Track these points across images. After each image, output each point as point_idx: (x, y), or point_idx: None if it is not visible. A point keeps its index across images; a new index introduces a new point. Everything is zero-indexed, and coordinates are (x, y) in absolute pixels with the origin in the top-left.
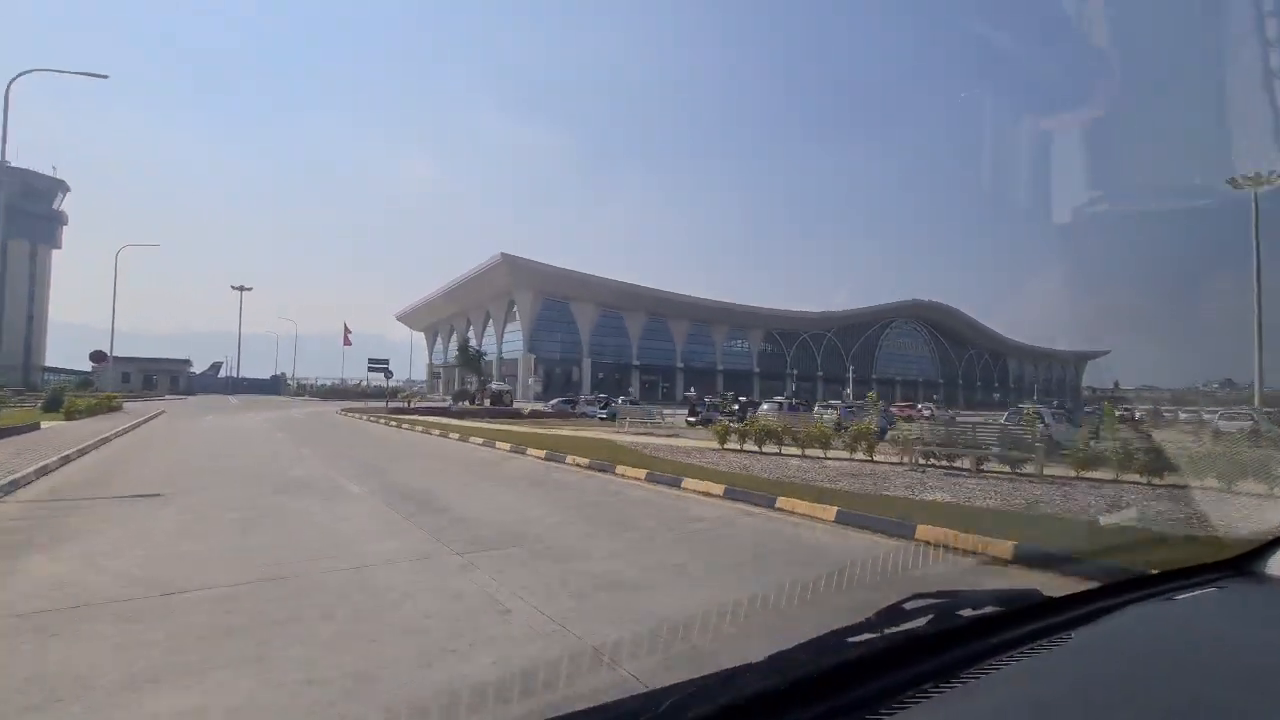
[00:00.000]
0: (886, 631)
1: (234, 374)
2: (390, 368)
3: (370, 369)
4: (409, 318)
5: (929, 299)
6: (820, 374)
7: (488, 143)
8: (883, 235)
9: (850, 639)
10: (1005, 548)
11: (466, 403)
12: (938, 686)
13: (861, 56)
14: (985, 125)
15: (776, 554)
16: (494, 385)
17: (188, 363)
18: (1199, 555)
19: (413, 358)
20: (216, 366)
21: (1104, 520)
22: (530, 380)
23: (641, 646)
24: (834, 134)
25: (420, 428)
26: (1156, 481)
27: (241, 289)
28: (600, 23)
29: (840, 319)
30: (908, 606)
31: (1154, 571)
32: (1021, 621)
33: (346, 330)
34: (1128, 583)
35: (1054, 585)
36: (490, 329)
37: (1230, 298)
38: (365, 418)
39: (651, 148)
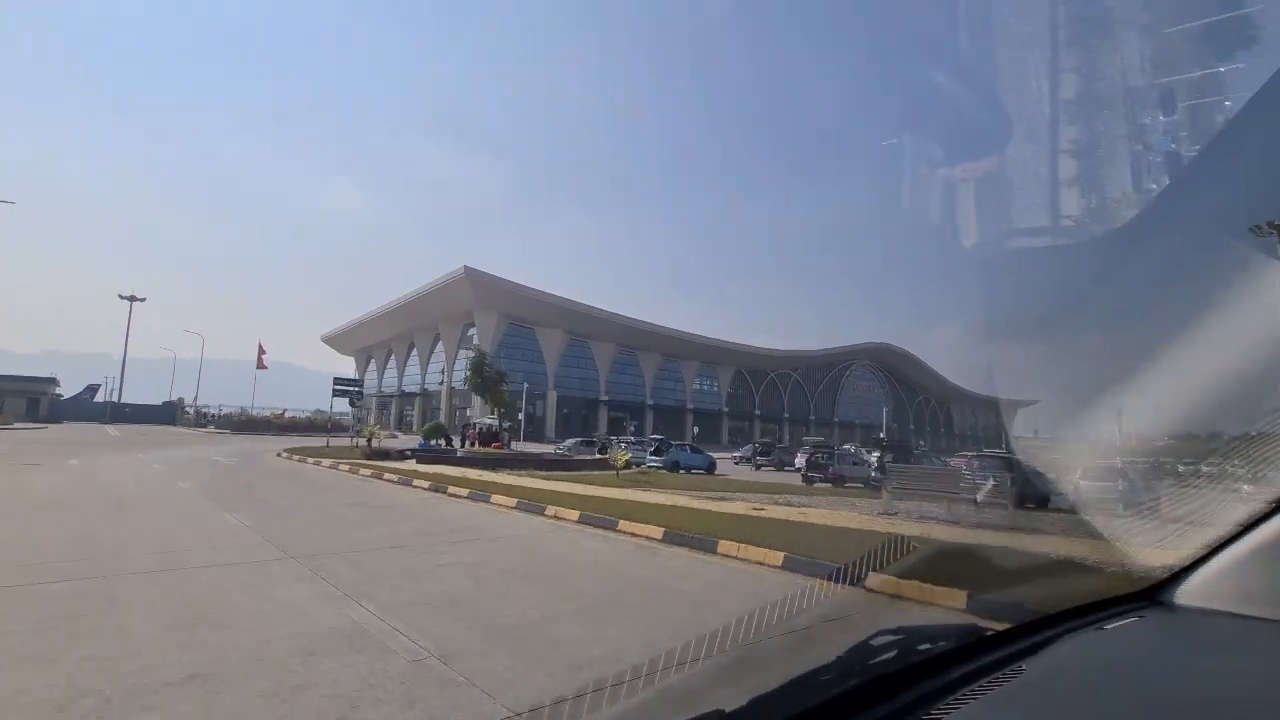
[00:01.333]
0: (855, 668)
1: (114, 399)
2: (341, 395)
3: (337, 392)
4: (338, 340)
5: (884, 341)
6: (786, 415)
7: (417, 173)
8: (812, 279)
9: (824, 678)
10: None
11: (465, 443)
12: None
13: (794, 106)
14: (906, 173)
15: None
16: (481, 420)
17: (52, 382)
18: (1117, 586)
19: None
20: (93, 389)
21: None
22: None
23: None
24: (766, 180)
25: (471, 493)
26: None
27: (131, 299)
28: (541, 59)
29: (807, 359)
30: (874, 643)
31: (1083, 604)
32: (974, 655)
33: (261, 351)
34: (1060, 614)
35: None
36: (438, 354)
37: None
38: (334, 466)
39: (584, 186)
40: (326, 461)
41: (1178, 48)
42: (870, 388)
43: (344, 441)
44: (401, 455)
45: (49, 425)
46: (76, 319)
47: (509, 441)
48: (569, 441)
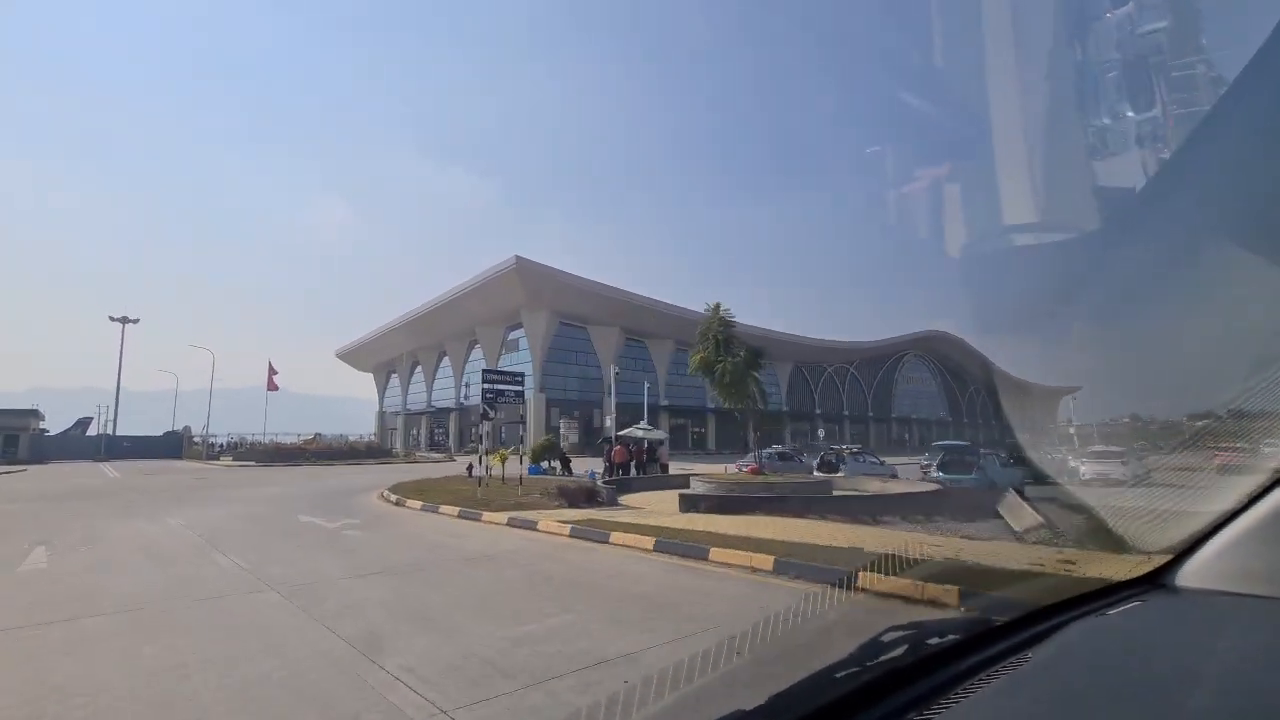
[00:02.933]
0: (868, 664)
1: (108, 432)
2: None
3: (488, 392)
4: (354, 355)
5: (938, 329)
6: (846, 413)
7: (407, 188)
8: (817, 280)
9: (838, 674)
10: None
11: (613, 466)
12: (922, 713)
13: (785, 114)
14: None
15: None
16: (634, 432)
17: (34, 415)
18: (1119, 573)
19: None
20: (84, 423)
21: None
22: (564, 430)
23: None
24: (768, 185)
25: None
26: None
27: (124, 320)
28: (537, 72)
29: (866, 350)
30: (885, 639)
31: (1086, 592)
32: (982, 646)
33: (271, 371)
34: (1064, 603)
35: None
36: (473, 363)
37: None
38: (593, 537)
39: (576, 196)
40: (544, 524)
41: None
42: (924, 379)
43: (425, 468)
44: (592, 497)
45: (29, 466)
46: (66, 353)
47: (664, 461)
48: (766, 451)
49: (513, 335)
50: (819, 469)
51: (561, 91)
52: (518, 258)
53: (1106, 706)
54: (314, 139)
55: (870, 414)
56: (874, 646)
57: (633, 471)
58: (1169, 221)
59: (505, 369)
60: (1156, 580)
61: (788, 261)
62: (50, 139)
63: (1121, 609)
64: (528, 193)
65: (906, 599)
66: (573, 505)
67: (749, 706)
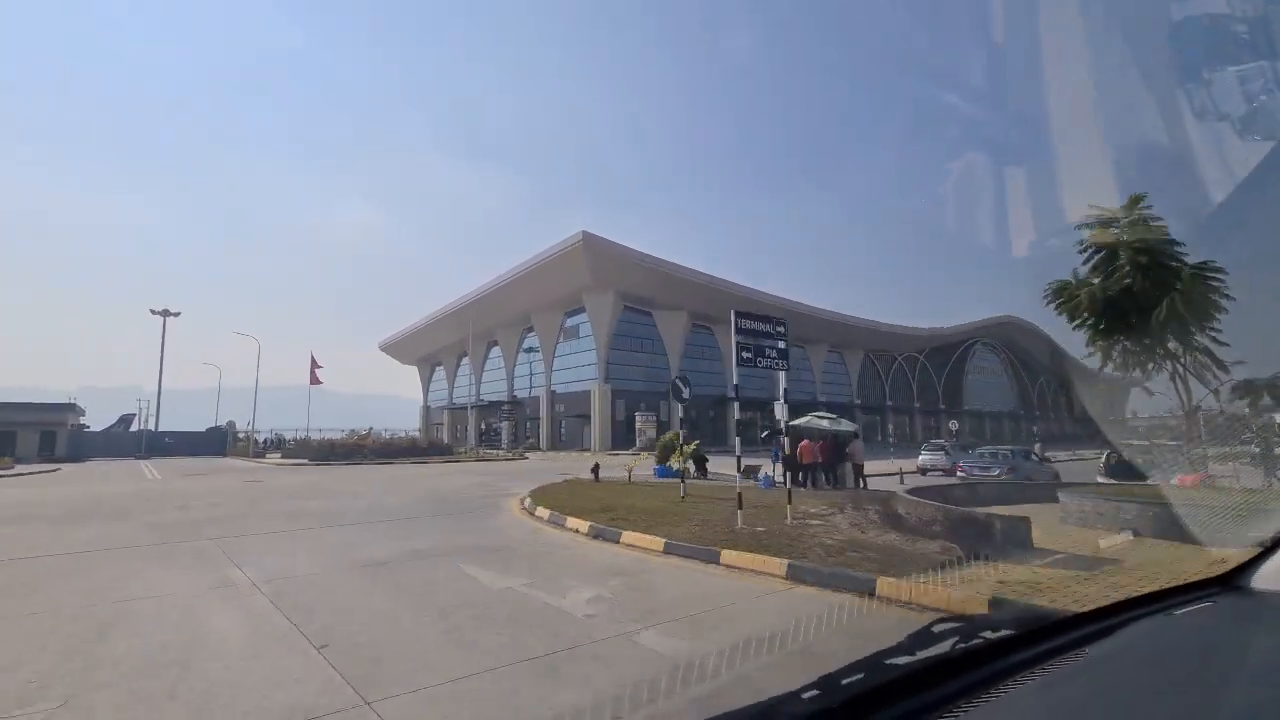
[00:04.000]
0: (918, 654)
1: (149, 428)
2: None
3: (744, 345)
4: (398, 348)
5: (1010, 315)
6: (917, 405)
7: (436, 188)
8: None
9: (887, 661)
10: None
11: (786, 467)
12: (969, 702)
13: (809, 112)
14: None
15: None
16: (817, 422)
17: (72, 410)
18: (1192, 572)
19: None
20: (126, 420)
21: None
22: (641, 425)
23: None
24: (785, 183)
25: None
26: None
27: (165, 313)
28: (565, 72)
29: (940, 336)
30: (935, 630)
31: (1154, 589)
32: (1038, 641)
33: (314, 365)
34: (1131, 601)
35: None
36: (528, 350)
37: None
38: None
39: (604, 194)
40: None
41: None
42: (993, 369)
43: (505, 467)
44: (986, 535)
45: (64, 465)
46: (115, 353)
47: (860, 466)
48: (978, 454)
49: (571, 321)
50: (1109, 473)
51: (582, 91)
52: (585, 233)
53: (1157, 705)
54: (346, 142)
55: (941, 406)
56: (923, 636)
57: (820, 478)
58: (1246, 220)
59: (759, 314)
60: (1231, 581)
61: (839, 253)
62: (99, 148)
63: (1190, 609)
64: (554, 193)
65: None
66: (962, 550)
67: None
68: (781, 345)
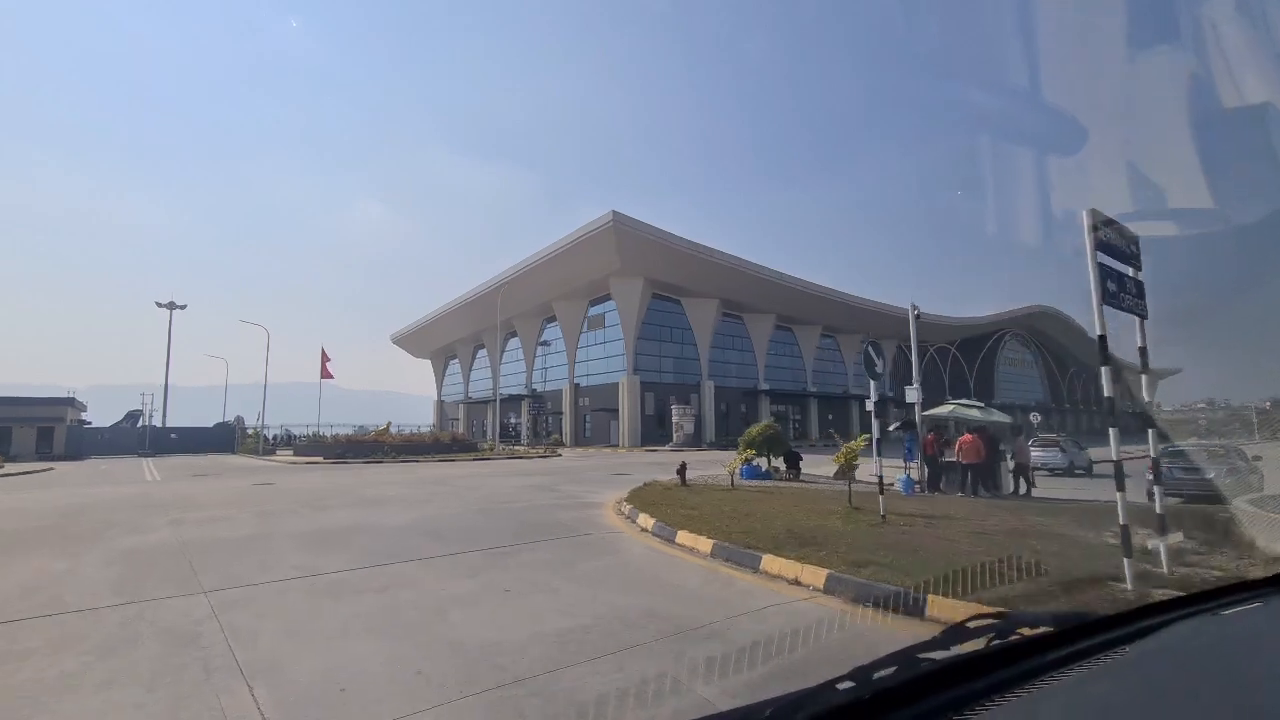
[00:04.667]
0: (953, 649)
1: (157, 423)
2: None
3: (1110, 277)
4: (410, 341)
5: (1042, 304)
6: (950, 399)
7: (444, 185)
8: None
9: (920, 655)
10: None
11: (932, 465)
12: (999, 698)
13: (824, 108)
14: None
15: None
16: (968, 411)
17: (70, 404)
18: (1242, 572)
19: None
20: (134, 416)
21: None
22: (678, 418)
23: None
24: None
25: None
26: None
27: (171, 306)
28: (572, 68)
29: (973, 326)
30: (970, 625)
31: (1202, 590)
32: (1075, 639)
33: (325, 359)
34: (1175, 600)
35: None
36: (549, 342)
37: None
38: None
39: (615, 188)
40: None
41: None
42: (1025, 361)
43: (542, 464)
44: None
45: (59, 464)
46: (124, 352)
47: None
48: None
49: (595, 310)
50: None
51: (596, 90)
52: (615, 213)
53: (1192, 706)
54: (353, 140)
55: (974, 399)
56: (957, 631)
57: (977, 481)
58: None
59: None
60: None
61: (856, 246)
62: (112, 150)
63: (1239, 609)
64: (565, 188)
65: None
66: None
67: (825, 679)
68: (1139, 279)
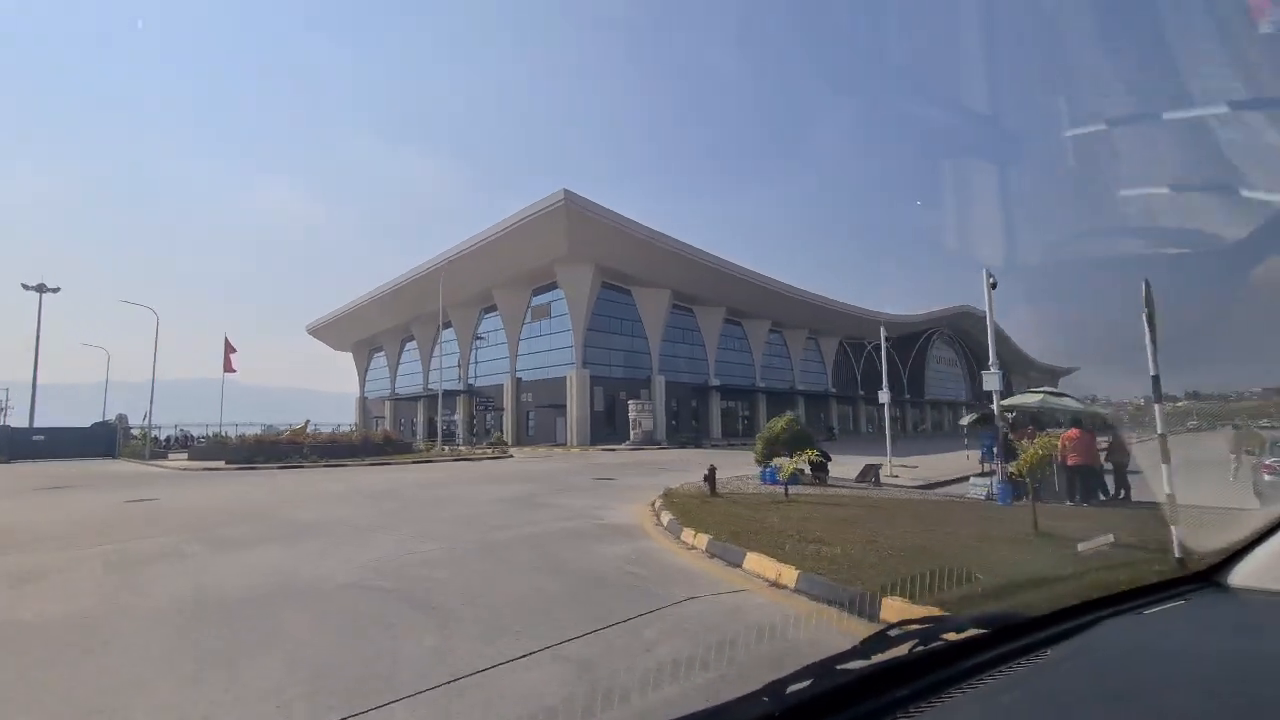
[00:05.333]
0: (874, 658)
1: (16, 422)
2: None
3: None
4: (329, 331)
5: (966, 305)
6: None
7: (367, 171)
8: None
9: (839, 666)
10: None
11: (1014, 464)
12: (919, 708)
13: (775, 111)
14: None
15: None
16: (1063, 401)
17: None
18: (1169, 570)
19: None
20: None
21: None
22: (635, 414)
23: None
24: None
25: None
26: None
27: (40, 289)
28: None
29: (909, 324)
30: (892, 633)
31: (1126, 589)
32: (1000, 642)
33: (228, 349)
34: (1101, 600)
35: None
36: (489, 332)
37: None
38: None
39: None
40: None
41: None
42: (950, 359)
43: (494, 468)
44: None
45: None
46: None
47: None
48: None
49: (540, 300)
50: None
51: (539, 82)
52: (566, 192)
53: (1116, 706)
54: (261, 117)
55: (907, 396)
56: (880, 640)
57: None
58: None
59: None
60: (1208, 579)
61: (800, 247)
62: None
63: (1163, 607)
64: (510, 182)
65: None
66: None
67: (744, 693)
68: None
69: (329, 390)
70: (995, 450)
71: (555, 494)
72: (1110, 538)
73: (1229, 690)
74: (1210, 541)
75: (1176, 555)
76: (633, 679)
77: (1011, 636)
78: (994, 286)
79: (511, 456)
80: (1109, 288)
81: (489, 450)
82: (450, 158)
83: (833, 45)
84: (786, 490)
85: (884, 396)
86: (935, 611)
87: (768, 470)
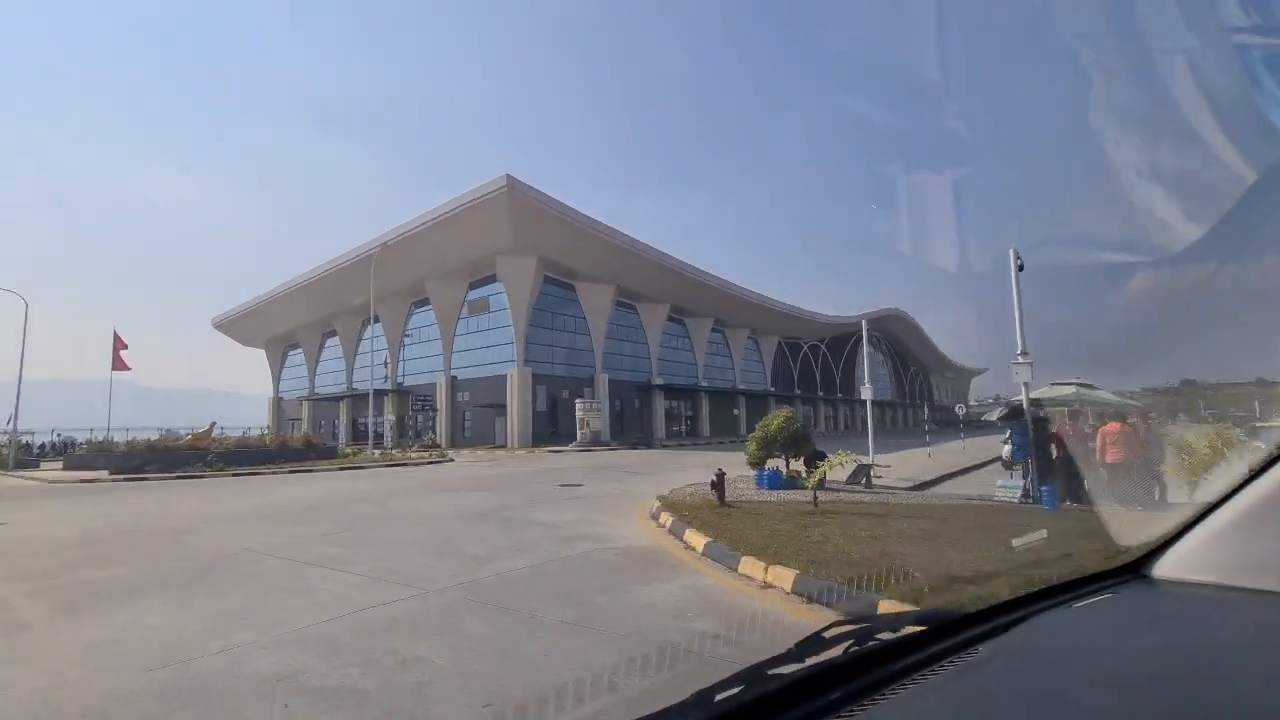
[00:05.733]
0: (808, 660)
1: None
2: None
3: None
4: (238, 326)
5: (893, 307)
6: (821, 394)
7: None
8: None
9: (771, 670)
10: None
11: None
12: (850, 711)
13: (715, 112)
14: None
15: None
16: (1105, 396)
17: None
18: (1095, 564)
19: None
20: None
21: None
22: (583, 414)
23: None
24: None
25: None
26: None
27: None
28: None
29: (843, 325)
30: (826, 635)
31: (1057, 582)
32: (932, 641)
33: (118, 343)
34: (1033, 595)
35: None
36: (420, 328)
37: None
38: None
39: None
40: None
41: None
42: (878, 360)
43: (436, 473)
44: None
45: None
46: None
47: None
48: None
49: (477, 294)
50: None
51: (468, 78)
52: (509, 178)
53: (1045, 703)
54: (151, 100)
55: (839, 395)
56: (814, 642)
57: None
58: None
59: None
60: (1135, 571)
61: (746, 248)
62: None
63: (1091, 600)
64: (436, 179)
65: None
66: None
67: (668, 704)
68: None
69: (247, 392)
70: (1025, 448)
71: (528, 506)
72: (1044, 533)
73: (1144, 684)
74: (1140, 535)
75: (1110, 549)
76: None
77: (943, 636)
78: (1021, 269)
79: (452, 460)
80: (1033, 289)
81: (425, 454)
82: (380, 152)
83: (775, 45)
84: (816, 499)
85: (866, 393)
86: None
87: (765, 474)
